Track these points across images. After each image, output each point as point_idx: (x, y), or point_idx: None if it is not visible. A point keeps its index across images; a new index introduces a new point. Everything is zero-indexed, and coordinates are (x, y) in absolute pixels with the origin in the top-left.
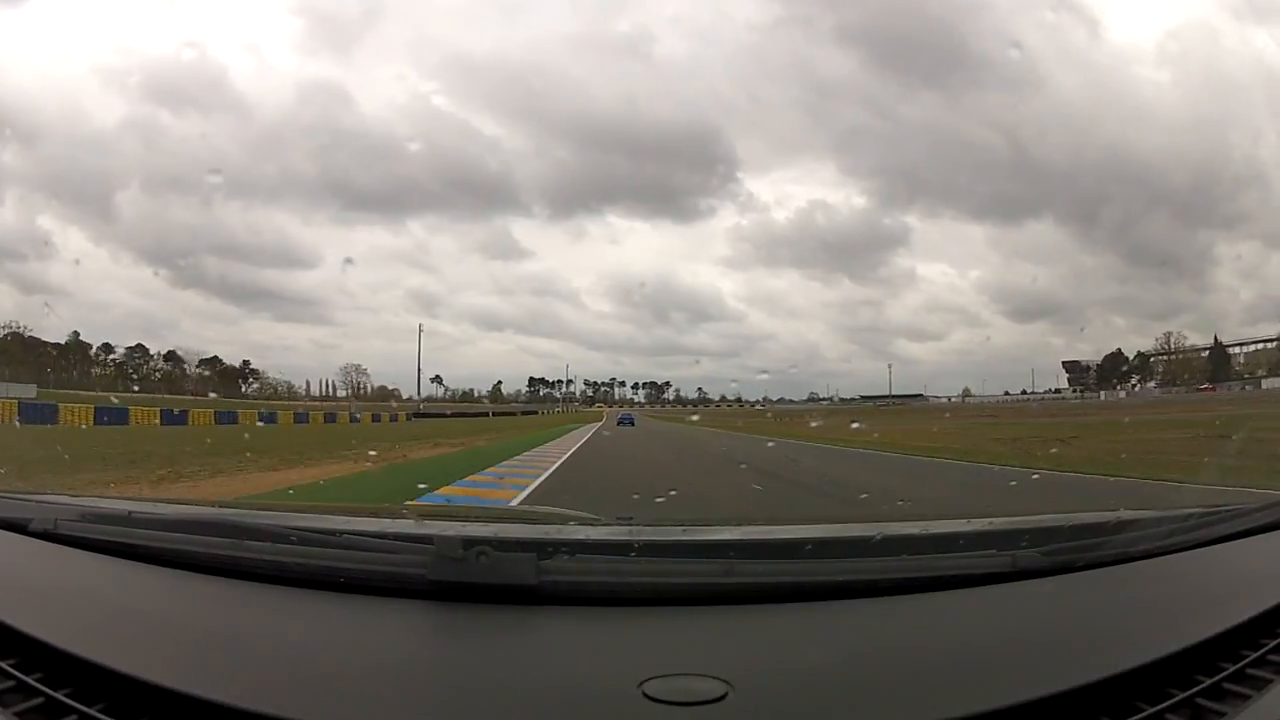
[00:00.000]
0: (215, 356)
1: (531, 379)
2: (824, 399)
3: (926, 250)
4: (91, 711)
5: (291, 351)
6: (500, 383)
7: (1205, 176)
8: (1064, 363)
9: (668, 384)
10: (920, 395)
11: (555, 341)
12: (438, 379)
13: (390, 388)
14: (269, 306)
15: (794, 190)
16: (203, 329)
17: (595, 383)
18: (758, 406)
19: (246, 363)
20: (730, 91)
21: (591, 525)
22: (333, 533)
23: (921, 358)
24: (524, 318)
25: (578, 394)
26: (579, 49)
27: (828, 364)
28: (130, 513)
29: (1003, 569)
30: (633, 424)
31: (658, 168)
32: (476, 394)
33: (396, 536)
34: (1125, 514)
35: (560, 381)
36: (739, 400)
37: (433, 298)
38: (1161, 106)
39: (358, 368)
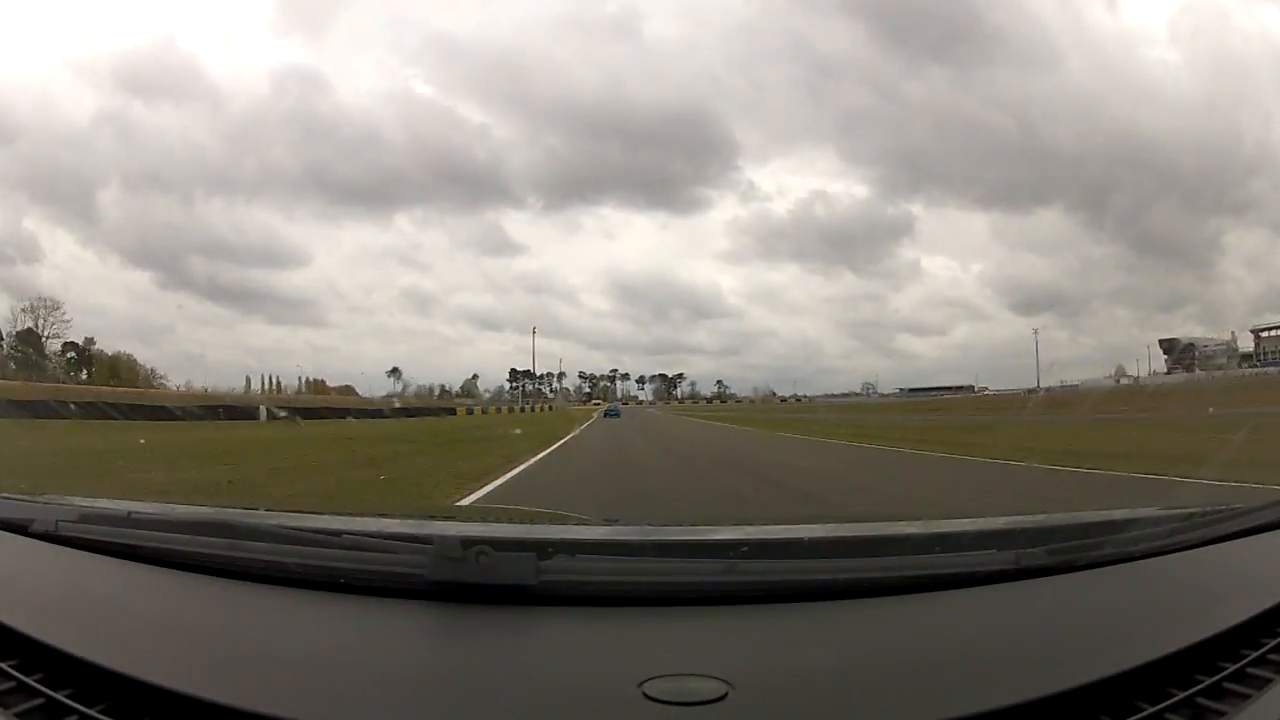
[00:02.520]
0: (90, 338)
1: (514, 371)
2: (875, 393)
3: (931, 241)
4: (92, 712)
5: (290, 355)
6: (475, 377)
7: (1215, 161)
8: (1161, 341)
9: (680, 376)
10: (969, 387)
11: (555, 341)
12: (395, 372)
13: (320, 383)
14: (261, 308)
15: (795, 180)
16: (197, 332)
17: (592, 376)
18: (790, 400)
19: (90, 340)
20: (725, 72)
21: (591, 525)
22: (333, 533)
23: (925, 352)
24: (521, 317)
25: (572, 389)
26: (565, 29)
27: (827, 360)
28: (130, 513)
29: (1004, 568)
30: (618, 416)
31: (653, 156)
32: (449, 390)
33: (396, 537)
34: (1126, 513)
35: (550, 375)
36: (771, 394)
37: (427, 296)
38: (1173, 87)
39: (44, 299)
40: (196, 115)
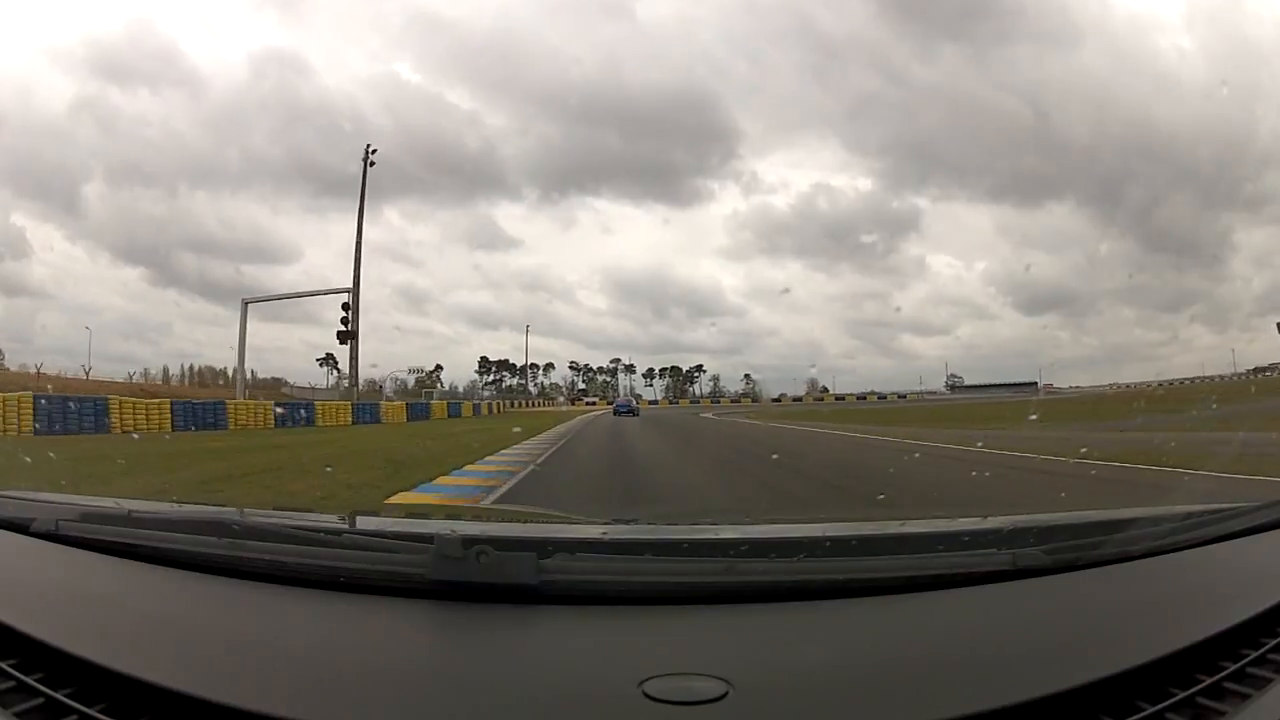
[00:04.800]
0: None
1: (484, 360)
2: (963, 386)
3: (937, 237)
4: (91, 712)
5: (285, 353)
6: (439, 367)
7: (1231, 153)
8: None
9: (699, 369)
10: (1033, 383)
11: (553, 340)
12: (330, 359)
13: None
14: (256, 307)
15: (797, 174)
16: (192, 331)
17: (586, 367)
18: (853, 401)
19: None
20: (725, 54)
21: (591, 524)
22: (333, 532)
23: (929, 351)
24: (518, 315)
25: (563, 384)
26: (556, 8)
27: (831, 360)
28: (131, 513)
29: (1003, 567)
30: (634, 415)
31: (650, 144)
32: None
33: (397, 536)
34: (1126, 512)
35: (534, 366)
36: (824, 390)
37: (421, 294)
38: (1189, 75)
39: None
40: (174, 103)
